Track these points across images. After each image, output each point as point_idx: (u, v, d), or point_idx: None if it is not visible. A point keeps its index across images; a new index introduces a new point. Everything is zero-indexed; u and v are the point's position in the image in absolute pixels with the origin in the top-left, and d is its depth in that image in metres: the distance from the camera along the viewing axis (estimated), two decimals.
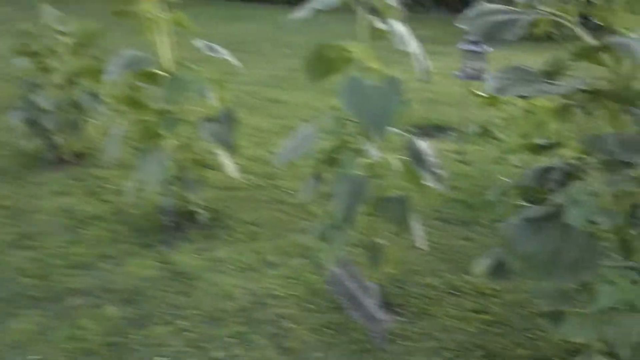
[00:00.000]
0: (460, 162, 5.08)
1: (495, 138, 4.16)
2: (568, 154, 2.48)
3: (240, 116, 3.79)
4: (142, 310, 3.05)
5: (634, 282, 2.01)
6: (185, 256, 3.54)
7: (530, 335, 2.82)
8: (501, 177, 4.32)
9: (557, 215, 2.14)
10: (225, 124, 3.63)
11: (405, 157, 2.80)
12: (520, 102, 3.48)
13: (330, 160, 2.86)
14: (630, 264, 2.12)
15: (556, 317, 2.25)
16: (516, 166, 4.08)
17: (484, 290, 3.19)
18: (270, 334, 2.87)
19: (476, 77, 5.01)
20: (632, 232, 2.27)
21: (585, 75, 2.27)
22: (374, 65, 2.67)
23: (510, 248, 2.18)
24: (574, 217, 2.03)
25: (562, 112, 2.44)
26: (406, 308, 3.06)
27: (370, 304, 2.84)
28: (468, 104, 5.17)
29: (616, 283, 2.03)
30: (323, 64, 2.78)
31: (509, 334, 2.85)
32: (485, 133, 4.27)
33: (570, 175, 2.29)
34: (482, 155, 5.05)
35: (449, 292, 3.20)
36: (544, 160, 2.61)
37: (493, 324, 2.94)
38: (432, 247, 3.65)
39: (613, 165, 2.03)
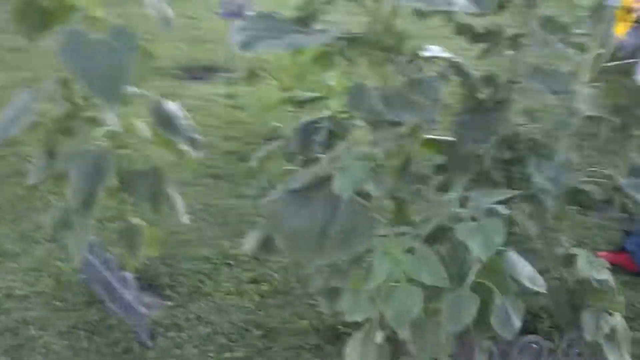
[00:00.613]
0: (233, 107, 4.73)
1: (266, 79, 3.85)
2: (334, 108, 2.21)
3: None
4: None
5: (409, 250, 1.81)
6: None
7: (312, 303, 2.60)
8: (276, 125, 4.05)
9: (325, 183, 1.87)
10: None
11: (152, 122, 2.36)
12: None
13: (64, 130, 2.34)
14: (405, 229, 1.92)
15: (331, 294, 2.03)
16: (291, 111, 3.82)
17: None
18: (6, 347, 2.35)
19: (237, 14, 4.61)
20: (405, 192, 2.09)
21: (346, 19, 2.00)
22: (100, 13, 2.17)
23: (274, 225, 1.88)
24: (341, 186, 1.77)
25: (323, 61, 2.16)
26: (176, 290, 2.70)
27: (129, 295, 2.43)
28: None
29: (390, 254, 1.81)
30: (36, 14, 2.22)
31: (290, 305, 2.62)
32: (254, 75, 3.93)
33: (335, 134, 2.03)
34: (255, 98, 4.72)
35: (225, 263, 2.89)
36: (311, 115, 2.32)
37: (273, 294, 2.68)
38: (203, 210, 3.30)
39: (378, 123, 1.79)
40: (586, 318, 2.20)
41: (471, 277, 1.79)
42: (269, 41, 1.73)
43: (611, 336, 2.22)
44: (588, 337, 2.16)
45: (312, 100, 2.27)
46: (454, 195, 1.81)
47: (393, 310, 1.80)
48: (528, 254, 2.25)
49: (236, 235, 3.07)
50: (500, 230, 1.69)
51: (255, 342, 2.41)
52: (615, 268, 3.06)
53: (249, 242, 2.17)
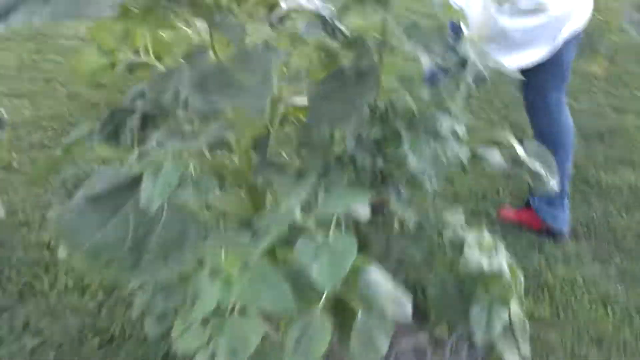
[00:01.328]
0: None
1: None
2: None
3: None
4: None
5: (245, 266, 1.42)
6: None
7: None
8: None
9: (136, 184, 1.44)
10: None
11: None
12: None
13: None
14: (246, 236, 1.52)
15: (159, 316, 1.64)
16: None
17: None
18: None
19: None
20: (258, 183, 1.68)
21: None
22: None
23: (70, 242, 1.45)
24: (147, 196, 1.35)
25: (151, 17, 1.68)
26: (5, 289, 2.25)
27: None
28: None
29: (221, 272, 1.42)
30: None
31: None
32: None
33: (151, 119, 1.58)
34: (71, 66, 4.16)
35: None
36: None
37: (119, 287, 2.27)
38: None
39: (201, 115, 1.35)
40: (476, 314, 1.90)
41: (322, 301, 1.43)
42: (30, 7, 1.24)
43: (506, 332, 1.93)
44: (479, 338, 1.86)
45: (141, 66, 1.80)
46: (295, 198, 1.41)
47: (227, 343, 1.42)
48: (408, 242, 1.94)
49: None
50: (351, 250, 1.30)
51: (91, 355, 2.01)
52: (521, 227, 2.81)
53: (63, 249, 1.74)
